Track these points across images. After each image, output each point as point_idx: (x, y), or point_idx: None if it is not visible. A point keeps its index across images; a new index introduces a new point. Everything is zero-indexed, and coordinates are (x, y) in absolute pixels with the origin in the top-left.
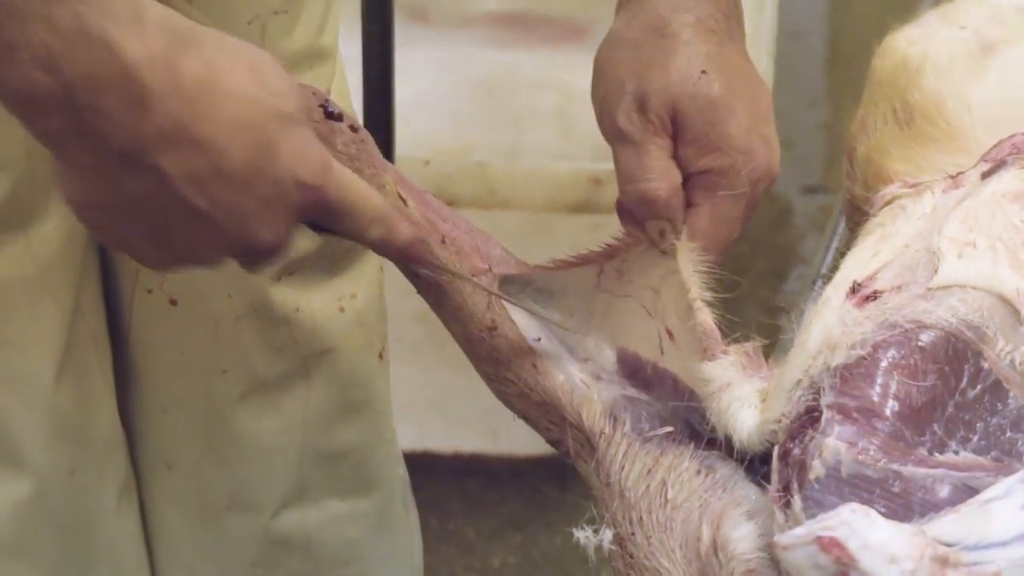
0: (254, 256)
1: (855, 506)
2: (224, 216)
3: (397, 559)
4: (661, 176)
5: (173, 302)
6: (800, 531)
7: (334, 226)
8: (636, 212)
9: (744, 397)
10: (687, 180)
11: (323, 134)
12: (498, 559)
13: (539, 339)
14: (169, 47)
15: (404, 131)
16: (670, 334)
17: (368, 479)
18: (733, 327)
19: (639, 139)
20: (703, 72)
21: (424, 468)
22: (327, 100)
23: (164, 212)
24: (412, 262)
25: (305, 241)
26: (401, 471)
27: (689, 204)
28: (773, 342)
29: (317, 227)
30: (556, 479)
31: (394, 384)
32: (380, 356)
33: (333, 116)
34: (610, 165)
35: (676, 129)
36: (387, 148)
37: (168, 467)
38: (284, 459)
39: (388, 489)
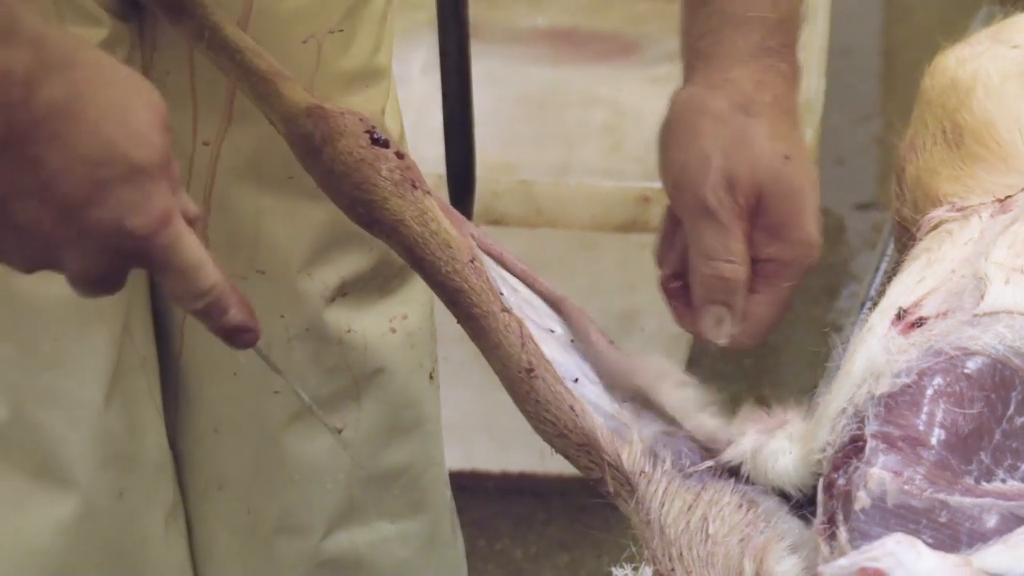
0: (73, 280)
1: (900, 536)
2: (36, 233)
3: None
4: (742, 260)
5: None
6: (844, 562)
7: (161, 281)
8: (703, 292)
9: (776, 451)
10: (755, 265)
11: (368, 160)
12: None
13: (576, 380)
14: (33, 64)
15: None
16: None
17: (418, 500)
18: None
19: (726, 219)
20: (786, 157)
21: (471, 488)
22: (373, 127)
23: None
24: (237, 346)
25: (358, 262)
26: (448, 492)
27: (751, 289)
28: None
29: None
30: (602, 500)
31: (441, 404)
32: (431, 377)
33: (379, 143)
34: (658, 183)
35: (756, 213)
36: (468, 161)
37: (219, 487)
38: (334, 480)
39: (437, 510)
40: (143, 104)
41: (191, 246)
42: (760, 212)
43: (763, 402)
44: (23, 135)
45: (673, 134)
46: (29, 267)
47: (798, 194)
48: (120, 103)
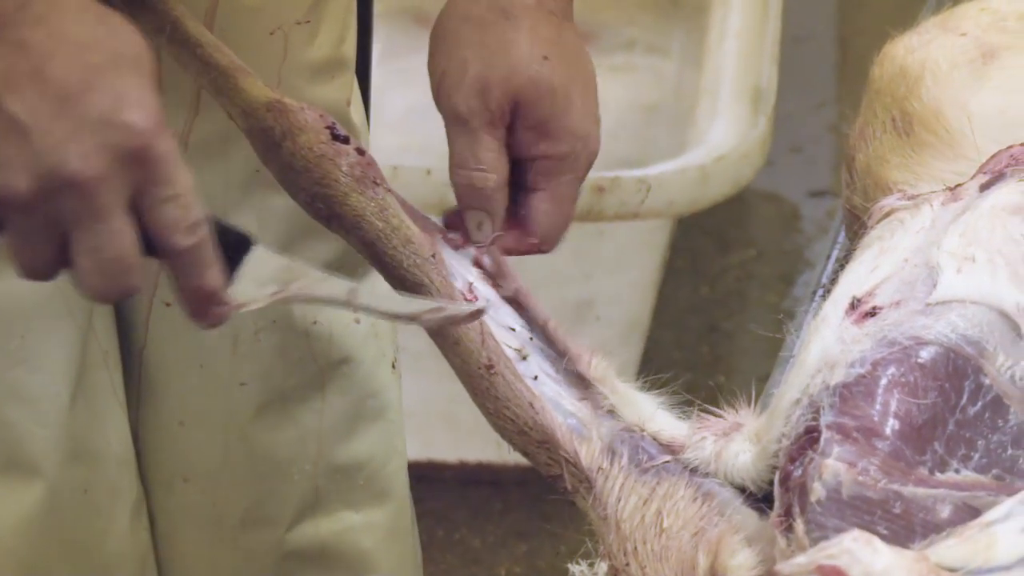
0: (58, 189)
1: (857, 533)
2: (36, 127)
3: (406, 570)
4: (492, 168)
5: None
6: (802, 559)
7: (147, 195)
8: (461, 199)
9: (736, 451)
10: (528, 164)
11: (329, 155)
12: (503, 569)
13: (536, 377)
14: None
15: (407, 141)
16: None
17: (382, 490)
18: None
19: (476, 126)
20: (545, 58)
21: (430, 478)
22: (334, 123)
23: None
24: (204, 321)
25: (324, 253)
26: (408, 481)
27: (532, 188)
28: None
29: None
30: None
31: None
32: (393, 366)
33: (339, 139)
34: (612, 173)
35: (517, 114)
36: None
37: (184, 480)
38: (300, 471)
39: (401, 499)
40: (112, 14)
41: (185, 170)
42: (522, 114)
43: (717, 390)
44: (7, 19)
45: (436, 43)
46: (30, 177)
47: (559, 92)
48: (96, 12)
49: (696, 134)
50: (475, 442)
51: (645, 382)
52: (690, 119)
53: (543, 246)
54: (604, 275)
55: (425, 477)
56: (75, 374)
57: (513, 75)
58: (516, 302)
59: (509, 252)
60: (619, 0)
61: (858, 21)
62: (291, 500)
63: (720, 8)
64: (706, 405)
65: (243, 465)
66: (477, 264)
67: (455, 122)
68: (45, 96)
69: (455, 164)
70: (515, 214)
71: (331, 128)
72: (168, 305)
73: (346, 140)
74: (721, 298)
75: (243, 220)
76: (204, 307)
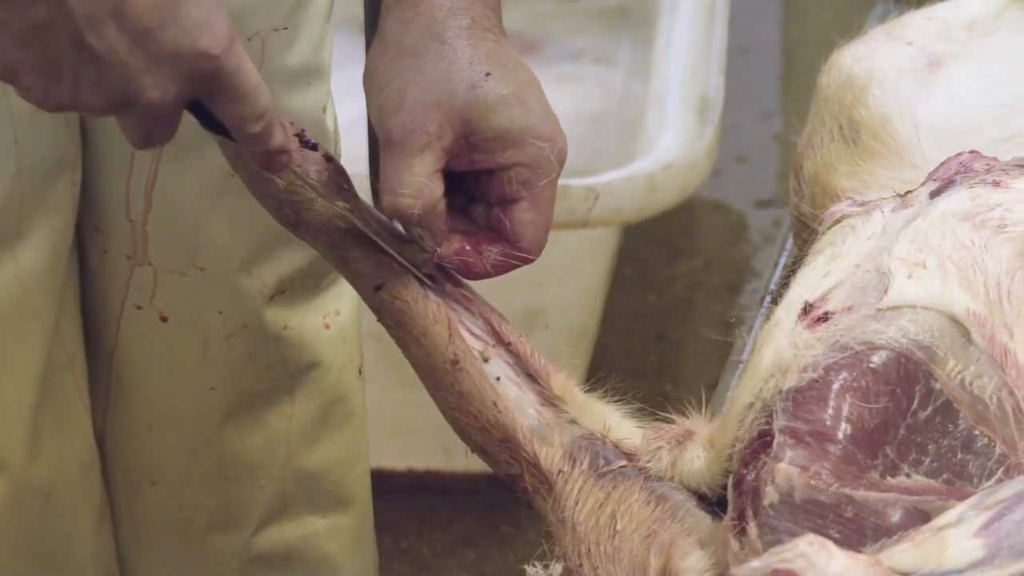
0: (135, 116)
1: (812, 537)
2: (114, 61)
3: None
4: (416, 193)
5: (163, 319)
6: (756, 563)
7: (219, 108)
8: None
9: (691, 458)
10: (501, 175)
11: (297, 161)
12: None
13: (498, 378)
14: None
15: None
16: None
17: (347, 495)
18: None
19: (408, 151)
20: (487, 74)
21: (378, 486)
22: (303, 130)
23: (58, 44)
24: (274, 169)
25: (295, 260)
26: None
27: (512, 199)
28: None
29: (200, 114)
30: (509, 496)
31: None
32: (359, 372)
33: (308, 145)
34: (560, 181)
35: (472, 131)
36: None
37: (151, 483)
38: (267, 476)
39: (364, 505)
40: None
41: (251, 67)
42: (475, 130)
43: (665, 398)
44: None
45: (371, 82)
46: (104, 105)
47: (511, 99)
48: None
49: (643, 143)
50: (423, 450)
51: (592, 390)
52: (637, 128)
53: (531, 255)
54: (553, 283)
55: (374, 486)
56: (40, 377)
57: (455, 96)
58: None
59: (499, 267)
60: (566, 11)
61: (802, 31)
62: (258, 504)
63: (667, 18)
64: (656, 412)
65: (211, 469)
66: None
67: (387, 148)
68: (123, 32)
69: (382, 189)
70: (499, 227)
71: (300, 135)
72: (139, 309)
73: (315, 147)
74: (668, 306)
75: (216, 223)
76: (274, 162)
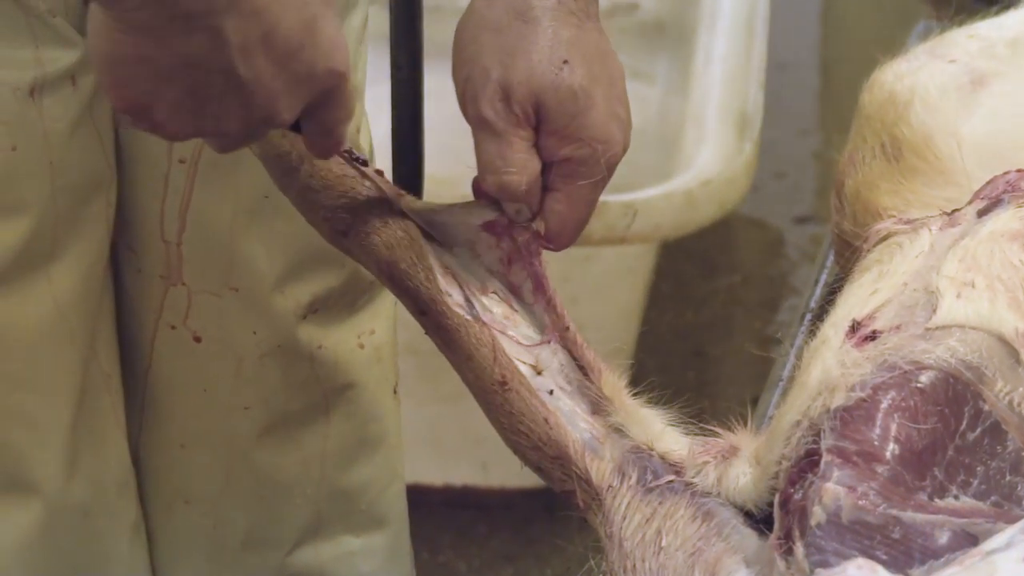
0: (258, 133)
1: (862, 561)
2: (259, 88)
3: None
4: (521, 169)
5: (197, 339)
6: None
7: (324, 114)
8: (496, 198)
9: (738, 474)
10: (548, 167)
11: (350, 174)
12: None
13: (551, 392)
14: None
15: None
16: None
17: (382, 514)
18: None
19: (502, 130)
20: (565, 62)
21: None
22: (350, 148)
23: (206, 78)
24: (331, 152)
25: (329, 280)
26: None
27: (549, 189)
28: (762, 376)
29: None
30: (546, 512)
31: None
32: (394, 391)
33: (358, 162)
34: (607, 197)
35: (539, 119)
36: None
37: (185, 502)
38: (302, 495)
39: (399, 524)
40: None
41: (351, 83)
42: (543, 118)
43: (703, 415)
44: None
45: (457, 52)
46: (243, 131)
47: (579, 95)
48: None
49: (682, 159)
50: (460, 466)
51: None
52: (676, 144)
53: (552, 244)
54: (590, 300)
55: (410, 501)
56: (76, 397)
57: (532, 79)
58: (547, 304)
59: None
60: (604, 27)
61: (841, 48)
62: (293, 523)
63: (705, 34)
64: (699, 424)
65: (245, 488)
66: (508, 262)
67: (481, 127)
68: (270, 58)
69: (484, 169)
70: None
71: (348, 152)
72: (173, 329)
73: (365, 164)
74: (706, 323)
75: (250, 243)
76: (329, 151)
